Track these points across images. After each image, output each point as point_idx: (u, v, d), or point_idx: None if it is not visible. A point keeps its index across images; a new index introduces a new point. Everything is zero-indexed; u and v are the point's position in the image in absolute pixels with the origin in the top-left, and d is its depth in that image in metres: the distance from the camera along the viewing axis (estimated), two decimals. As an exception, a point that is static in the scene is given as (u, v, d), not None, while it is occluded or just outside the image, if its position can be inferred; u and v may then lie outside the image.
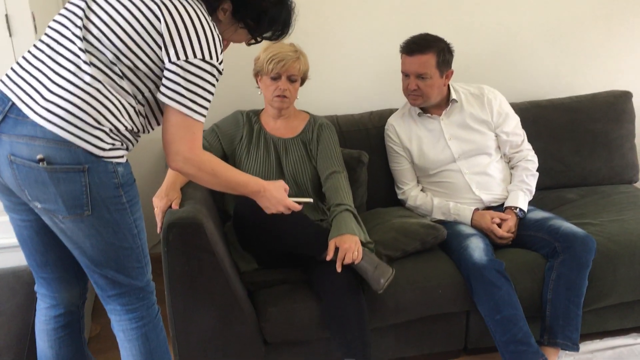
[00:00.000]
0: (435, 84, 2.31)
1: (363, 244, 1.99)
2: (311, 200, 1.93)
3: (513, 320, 2.00)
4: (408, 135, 2.44)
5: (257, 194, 1.69)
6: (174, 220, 1.77)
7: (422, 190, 2.46)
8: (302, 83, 2.22)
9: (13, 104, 1.37)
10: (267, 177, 2.17)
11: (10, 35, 1.89)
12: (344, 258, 1.88)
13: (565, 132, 2.72)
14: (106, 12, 1.41)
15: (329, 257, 1.90)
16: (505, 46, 2.87)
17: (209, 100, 1.45)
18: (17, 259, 2.00)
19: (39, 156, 1.33)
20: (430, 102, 2.37)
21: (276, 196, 1.71)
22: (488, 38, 2.83)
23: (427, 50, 2.27)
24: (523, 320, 2.02)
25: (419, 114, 2.43)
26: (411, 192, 2.44)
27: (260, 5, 1.51)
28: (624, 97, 2.78)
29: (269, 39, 1.62)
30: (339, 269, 1.88)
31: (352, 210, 2.07)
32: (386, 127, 2.51)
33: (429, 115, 2.42)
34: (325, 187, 2.17)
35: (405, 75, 2.34)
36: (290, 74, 2.14)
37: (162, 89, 1.43)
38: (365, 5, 2.69)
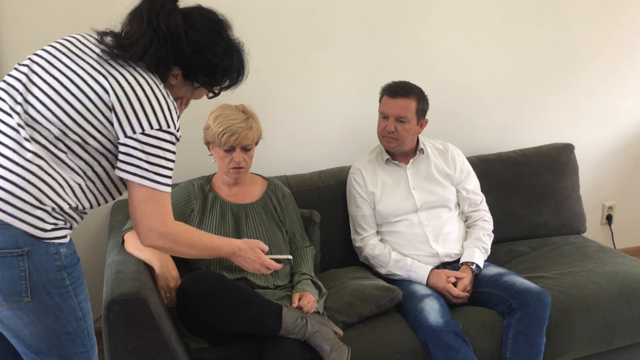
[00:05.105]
0: (412, 129, 2.34)
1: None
2: (291, 257, 1.90)
3: (474, 383, 1.94)
4: (374, 179, 2.42)
5: (233, 255, 1.66)
6: (115, 298, 1.65)
7: (380, 240, 2.42)
8: (256, 143, 2.16)
9: None
10: None
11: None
12: (303, 301, 1.98)
13: (513, 185, 2.76)
14: (49, 85, 1.33)
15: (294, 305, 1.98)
16: (452, 102, 2.91)
17: (171, 169, 1.38)
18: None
19: None
20: (403, 148, 2.39)
21: (251, 256, 1.68)
22: (436, 94, 2.86)
23: (410, 95, 2.32)
24: (484, 382, 1.97)
25: (386, 161, 2.42)
26: (370, 240, 2.39)
27: (209, 61, 1.43)
28: (567, 150, 2.85)
29: (229, 87, 1.54)
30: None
31: (314, 279, 2.17)
32: (351, 171, 2.49)
33: (396, 162, 2.42)
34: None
35: (384, 117, 2.35)
36: (244, 145, 2.06)
37: (121, 165, 1.35)
38: (313, 65, 2.69)
